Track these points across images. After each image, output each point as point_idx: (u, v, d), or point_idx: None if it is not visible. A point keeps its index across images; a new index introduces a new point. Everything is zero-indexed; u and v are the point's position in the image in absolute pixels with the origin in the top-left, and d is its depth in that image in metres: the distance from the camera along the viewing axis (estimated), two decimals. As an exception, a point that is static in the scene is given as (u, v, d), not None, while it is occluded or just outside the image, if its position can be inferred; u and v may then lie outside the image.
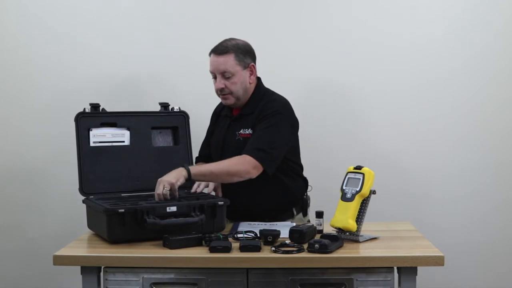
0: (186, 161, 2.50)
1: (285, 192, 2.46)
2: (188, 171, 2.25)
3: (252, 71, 2.46)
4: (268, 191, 2.40)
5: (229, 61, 2.40)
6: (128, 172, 2.41)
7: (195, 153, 2.57)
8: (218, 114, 2.61)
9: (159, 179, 2.22)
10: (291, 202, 2.51)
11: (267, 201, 2.42)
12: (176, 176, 2.23)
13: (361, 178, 2.11)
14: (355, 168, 2.15)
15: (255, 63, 2.47)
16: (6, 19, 3.05)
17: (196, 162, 2.62)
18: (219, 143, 2.50)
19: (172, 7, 3.06)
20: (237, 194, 2.39)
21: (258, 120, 2.41)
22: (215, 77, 2.43)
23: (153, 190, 2.36)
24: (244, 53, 2.44)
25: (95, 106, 2.44)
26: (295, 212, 2.50)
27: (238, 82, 2.42)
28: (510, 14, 3.01)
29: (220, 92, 2.43)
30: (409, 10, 3.03)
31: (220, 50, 2.42)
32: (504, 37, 3.02)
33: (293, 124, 2.48)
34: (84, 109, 2.42)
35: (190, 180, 2.29)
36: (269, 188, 2.39)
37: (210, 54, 2.45)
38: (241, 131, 2.44)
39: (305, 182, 2.56)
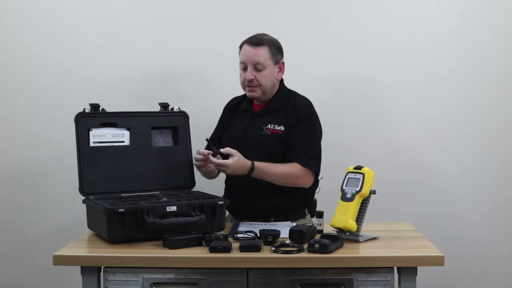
0: (185, 161, 2.50)
1: (300, 192, 2.46)
2: (250, 173, 2.34)
3: (281, 68, 2.50)
4: (284, 191, 2.41)
5: (263, 54, 2.44)
6: (128, 172, 2.41)
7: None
8: (234, 109, 2.61)
9: (231, 165, 2.29)
10: (305, 202, 2.52)
11: (283, 201, 2.43)
12: (235, 172, 2.33)
13: (361, 178, 2.11)
14: (355, 168, 2.15)
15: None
16: (6, 19, 3.05)
17: None
18: (239, 137, 2.49)
19: (172, 7, 3.06)
20: (253, 193, 2.40)
21: (295, 122, 2.45)
22: (244, 68, 2.46)
23: (153, 190, 2.38)
24: (276, 49, 2.48)
25: (95, 106, 2.44)
26: (306, 212, 2.52)
27: (268, 76, 2.45)
28: (510, 14, 3.01)
29: (249, 83, 2.44)
30: (409, 10, 3.03)
31: (255, 41, 2.45)
32: (504, 37, 3.01)
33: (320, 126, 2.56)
34: (84, 109, 2.42)
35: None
36: (286, 187, 2.40)
37: (241, 45, 2.49)
38: (269, 126, 2.46)
39: (317, 182, 2.55)
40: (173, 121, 2.55)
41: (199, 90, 3.06)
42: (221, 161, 2.32)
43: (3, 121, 3.06)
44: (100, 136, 2.41)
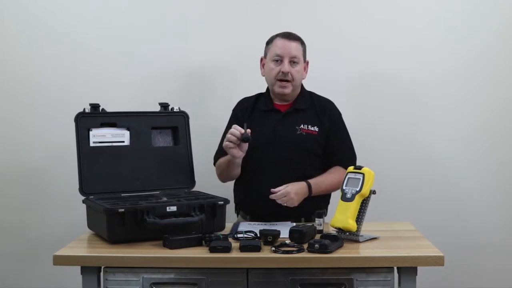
0: (185, 161, 2.50)
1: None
2: (310, 192, 2.40)
3: (306, 68, 2.54)
4: None
5: (299, 49, 2.49)
6: (128, 172, 2.41)
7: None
8: (251, 109, 2.59)
9: (288, 191, 2.30)
10: (327, 201, 2.56)
11: (311, 202, 2.43)
12: (300, 200, 2.35)
13: (361, 178, 2.11)
14: (355, 168, 2.15)
15: None
16: (6, 19, 3.05)
17: (216, 159, 2.60)
18: (268, 137, 2.48)
19: (172, 7, 3.06)
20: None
21: (331, 125, 2.50)
22: (278, 61, 2.47)
23: (153, 190, 2.37)
24: (305, 47, 2.53)
25: (95, 106, 2.43)
26: (326, 211, 2.53)
27: (300, 71, 2.50)
28: (510, 14, 3.01)
29: (284, 76, 2.46)
30: (410, 10, 3.03)
31: (293, 36, 2.50)
32: (504, 37, 3.01)
33: None
34: (84, 109, 2.42)
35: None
36: None
37: (272, 40, 2.51)
38: (302, 126, 2.49)
39: None
40: (173, 121, 2.54)
41: (199, 90, 3.06)
42: (281, 190, 2.30)
43: (3, 121, 3.06)
44: (100, 136, 2.41)
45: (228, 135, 2.31)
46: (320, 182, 2.43)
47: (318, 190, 2.42)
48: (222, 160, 2.53)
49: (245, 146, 2.33)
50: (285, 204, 2.33)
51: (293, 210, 2.37)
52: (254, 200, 2.47)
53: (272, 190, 2.32)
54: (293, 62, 2.46)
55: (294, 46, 2.47)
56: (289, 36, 2.49)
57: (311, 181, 2.42)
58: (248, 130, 2.29)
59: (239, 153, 2.33)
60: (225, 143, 2.32)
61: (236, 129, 2.30)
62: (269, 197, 2.31)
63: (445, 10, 3.02)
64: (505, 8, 3.01)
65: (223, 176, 2.57)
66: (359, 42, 3.03)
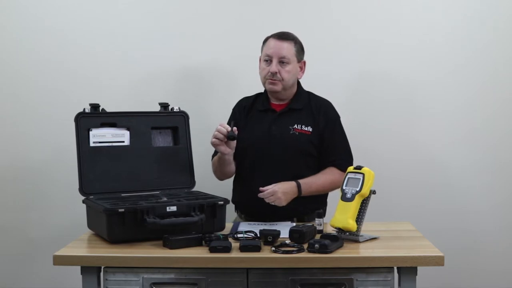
0: (185, 161, 2.50)
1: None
2: (299, 192, 2.39)
3: (302, 67, 2.53)
4: None
5: (290, 49, 2.47)
6: (128, 172, 2.41)
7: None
8: (249, 108, 2.60)
9: (276, 190, 2.31)
10: (323, 202, 2.56)
11: (306, 202, 2.43)
12: (288, 200, 2.35)
13: (361, 178, 2.11)
14: (355, 168, 2.15)
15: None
16: (6, 19, 3.05)
17: (213, 157, 2.61)
18: (263, 137, 2.49)
19: (172, 6, 3.06)
20: None
21: (326, 125, 2.49)
22: (268, 61, 2.46)
23: (153, 190, 2.38)
24: (301, 48, 2.52)
25: (95, 106, 2.43)
26: (324, 212, 2.52)
27: (291, 72, 2.48)
28: (510, 14, 3.01)
29: (272, 76, 2.45)
30: (409, 10, 3.03)
31: (284, 36, 2.49)
32: (504, 37, 3.01)
33: None
34: (84, 109, 2.41)
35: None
36: None
37: (266, 40, 2.51)
38: (296, 126, 2.48)
39: None
40: (173, 121, 2.54)
41: (199, 90, 3.06)
42: (269, 189, 2.32)
43: (3, 121, 3.06)
44: (100, 136, 2.41)
45: (215, 133, 2.34)
46: (311, 182, 2.43)
47: (308, 191, 2.42)
48: (216, 157, 2.55)
49: (233, 143, 2.36)
50: (272, 203, 2.33)
51: (286, 210, 2.37)
52: (248, 199, 2.48)
53: (261, 188, 2.33)
54: (282, 62, 2.45)
55: (284, 46, 2.46)
56: (281, 36, 2.48)
57: (301, 181, 2.41)
58: (234, 128, 2.32)
59: (226, 150, 2.36)
60: (212, 140, 2.35)
61: (223, 127, 2.32)
62: (260, 198, 2.33)
63: (445, 10, 3.02)
64: (505, 8, 3.00)
65: (217, 173, 2.59)
66: (359, 42, 3.03)
